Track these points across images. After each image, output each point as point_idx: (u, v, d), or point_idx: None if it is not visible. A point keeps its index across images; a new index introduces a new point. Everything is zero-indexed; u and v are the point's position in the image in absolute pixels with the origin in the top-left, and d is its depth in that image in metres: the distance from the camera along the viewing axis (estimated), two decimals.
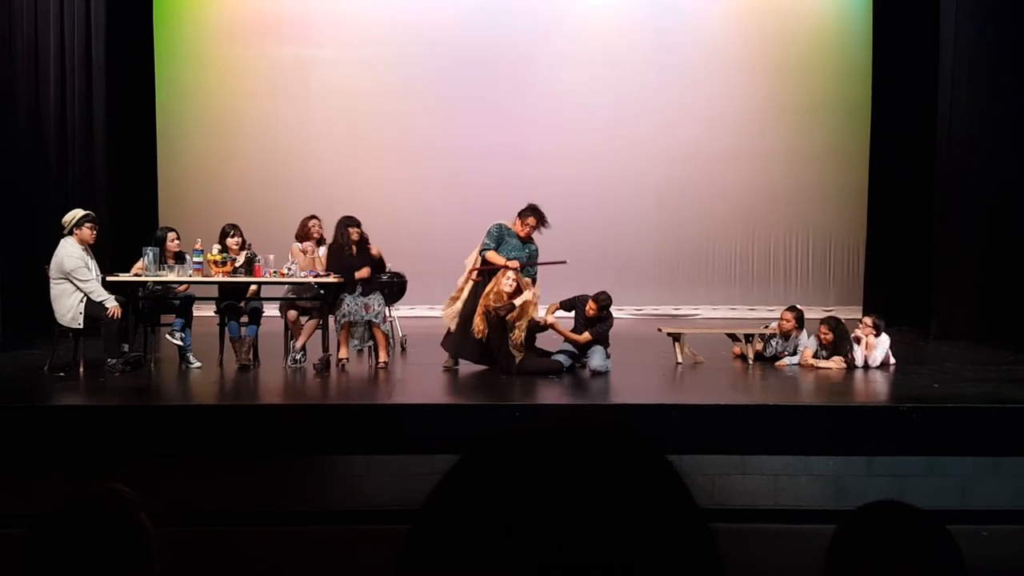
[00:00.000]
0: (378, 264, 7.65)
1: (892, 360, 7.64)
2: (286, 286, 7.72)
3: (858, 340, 7.56)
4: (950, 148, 9.76)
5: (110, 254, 8.96)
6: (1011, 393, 6.39)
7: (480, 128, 11.59)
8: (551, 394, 6.57)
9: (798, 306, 8.16)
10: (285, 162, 11.56)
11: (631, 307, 11.53)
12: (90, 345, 7.07)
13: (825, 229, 12.06)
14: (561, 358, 7.26)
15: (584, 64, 11.75)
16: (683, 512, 0.66)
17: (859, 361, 7.46)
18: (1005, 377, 7.08)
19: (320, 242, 7.83)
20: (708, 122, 11.78)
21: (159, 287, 7.60)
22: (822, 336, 7.57)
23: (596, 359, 7.19)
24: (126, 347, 7.19)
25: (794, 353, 7.74)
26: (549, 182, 10.75)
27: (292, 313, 7.66)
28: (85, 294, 6.99)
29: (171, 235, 7.70)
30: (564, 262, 7.70)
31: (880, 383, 7.11)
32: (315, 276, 7.40)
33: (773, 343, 7.94)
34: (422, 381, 7.34)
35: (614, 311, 7.56)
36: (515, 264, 7.26)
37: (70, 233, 7.09)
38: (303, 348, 7.46)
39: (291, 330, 7.67)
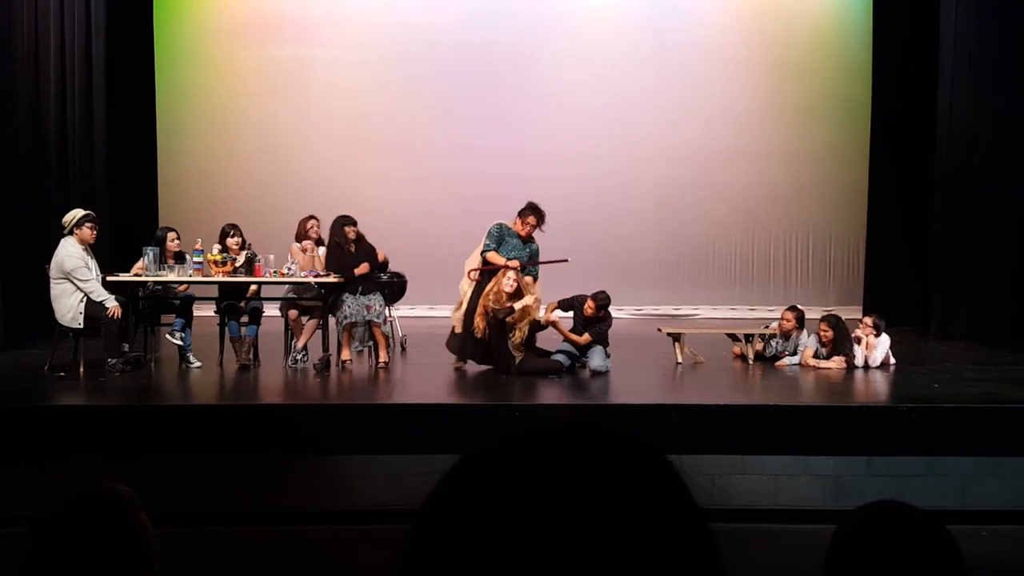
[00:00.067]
0: (381, 266, 7.65)
1: (892, 360, 7.64)
2: (287, 286, 7.72)
3: (858, 340, 7.56)
4: (950, 147, 9.76)
5: (110, 254, 8.96)
6: (1011, 393, 6.39)
7: (480, 128, 11.59)
8: (551, 394, 6.57)
9: (798, 306, 8.16)
10: (285, 162, 11.56)
11: (631, 307, 11.53)
12: (90, 345, 7.07)
13: (825, 229, 12.06)
14: (560, 358, 7.26)
15: (584, 64, 11.75)
16: (683, 512, 0.66)
17: (859, 361, 7.46)
18: (1005, 377, 7.08)
19: (318, 242, 7.83)
20: (708, 122, 11.78)
21: (159, 287, 7.60)
22: (822, 334, 7.57)
23: (596, 359, 7.19)
24: (126, 347, 7.19)
25: (794, 353, 7.74)
26: (549, 182, 10.74)
27: (293, 312, 7.66)
28: (85, 294, 6.99)
29: (171, 235, 7.70)
30: (566, 260, 7.70)
31: (880, 383, 7.11)
32: (315, 276, 7.40)
33: (773, 343, 7.94)
34: (422, 381, 7.35)
35: (614, 311, 7.56)
36: (515, 264, 7.26)
37: (70, 233, 7.09)
38: (304, 348, 7.46)
39: (292, 329, 7.67)
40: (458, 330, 7.32)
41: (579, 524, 0.62)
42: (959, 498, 5.50)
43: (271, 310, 8.08)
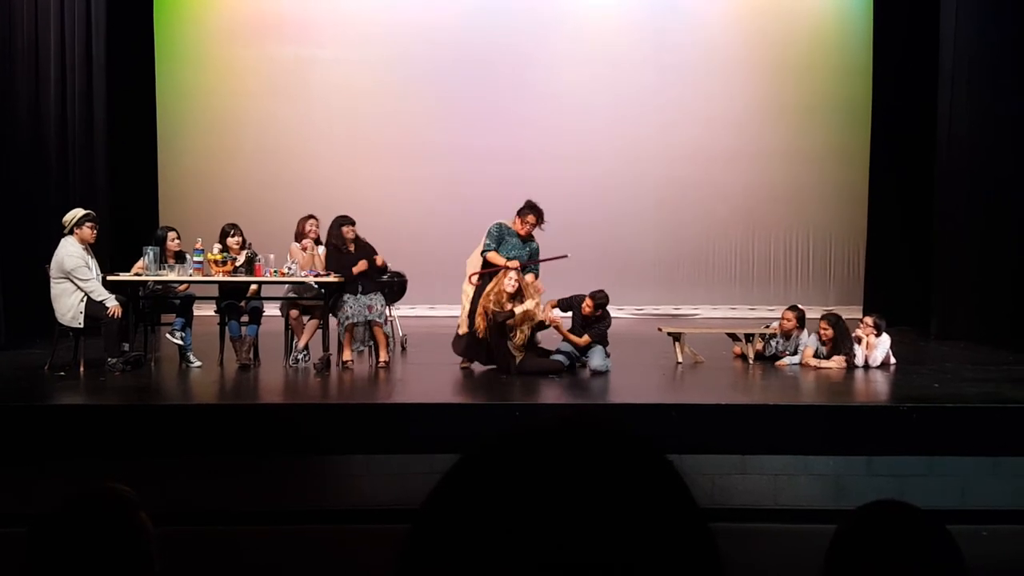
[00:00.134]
0: (380, 270, 7.63)
1: (892, 360, 7.64)
2: (287, 285, 7.72)
3: (859, 340, 7.56)
4: (950, 148, 9.76)
5: (110, 253, 8.97)
6: (1011, 393, 6.39)
7: (480, 128, 11.60)
8: (551, 394, 6.58)
9: (799, 306, 8.16)
10: (285, 162, 11.57)
11: (631, 307, 11.54)
12: (90, 344, 7.07)
13: (825, 229, 12.06)
14: (559, 358, 7.26)
15: (584, 64, 11.75)
16: (683, 512, 0.66)
17: (859, 361, 7.46)
18: (1005, 377, 7.08)
19: (317, 241, 7.83)
20: (708, 122, 11.78)
21: (159, 286, 7.60)
22: (822, 332, 7.57)
23: (596, 359, 7.19)
24: (126, 346, 7.19)
25: (795, 353, 7.74)
26: (549, 182, 10.74)
27: (293, 312, 7.66)
28: (85, 293, 6.99)
29: (171, 234, 7.71)
30: (566, 256, 7.69)
31: (880, 383, 7.11)
32: (315, 276, 7.40)
33: (773, 343, 7.94)
34: (422, 381, 7.35)
35: (614, 311, 7.56)
36: (516, 264, 7.26)
37: (70, 232, 7.09)
38: (305, 347, 7.46)
39: (293, 329, 7.67)
40: (462, 331, 7.32)
41: (579, 524, 0.62)
42: (959, 498, 5.50)
43: (271, 310, 8.08)
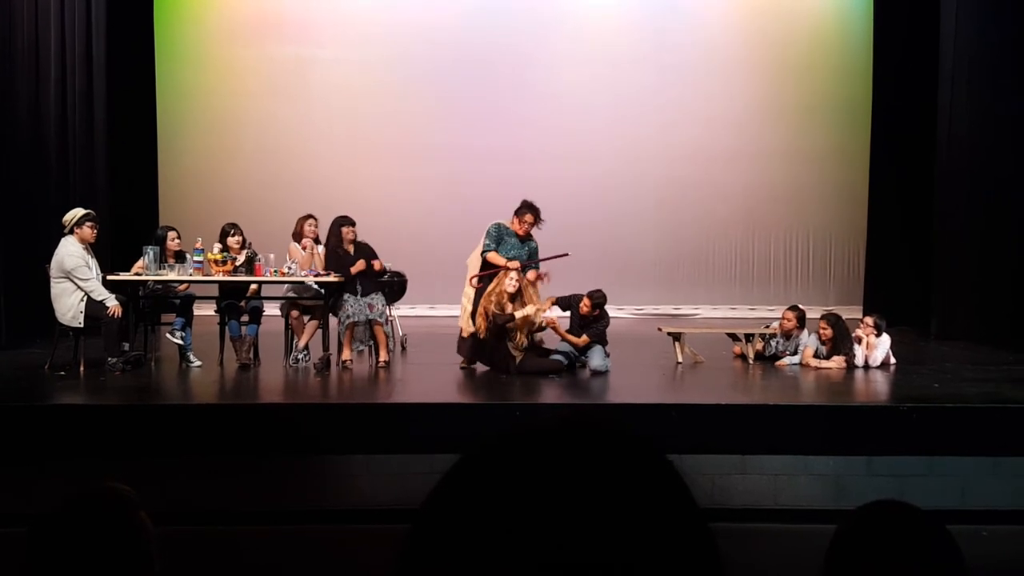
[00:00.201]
0: (378, 275, 7.62)
1: (892, 360, 7.64)
2: (287, 285, 7.72)
3: (859, 340, 7.56)
4: (950, 148, 9.76)
5: (110, 253, 8.97)
6: (1011, 393, 6.39)
7: (480, 128, 11.60)
8: (551, 394, 6.58)
9: (800, 306, 8.16)
10: (285, 162, 11.57)
11: (631, 307, 11.54)
12: (90, 344, 7.07)
13: (825, 229, 12.06)
14: (558, 357, 7.27)
15: (584, 64, 11.75)
16: (683, 512, 0.66)
17: (859, 361, 7.46)
18: (1005, 377, 7.08)
19: (316, 241, 7.82)
20: (708, 122, 11.78)
21: (159, 286, 7.60)
22: (821, 332, 7.57)
23: (596, 359, 7.19)
24: (126, 346, 7.19)
25: (795, 353, 7.74)
26: (549, 182, 10.74)
27: (294, 312, 7.66)
28: (86, 293, 6.99)
29: (171, 234, 7.71)
30: (566, 255, 7.69)
31: (880, 383, 7.11)
32: (315, 276, 7.40)
33: (773, 343, 7.95)
34: (422, 381, 7.35)
35: (614, 311, 7.56)
36: (516, 264, 7.25)
37: (71, 232, 7.09)
38: (306, 347, 7.46)
39: (293, 329, 7.67)
40: (465, 334, 7.31)
41: (579, 524, 0.62)
42: (959, 498, 5.50)
43: (271, 309, 8.08)
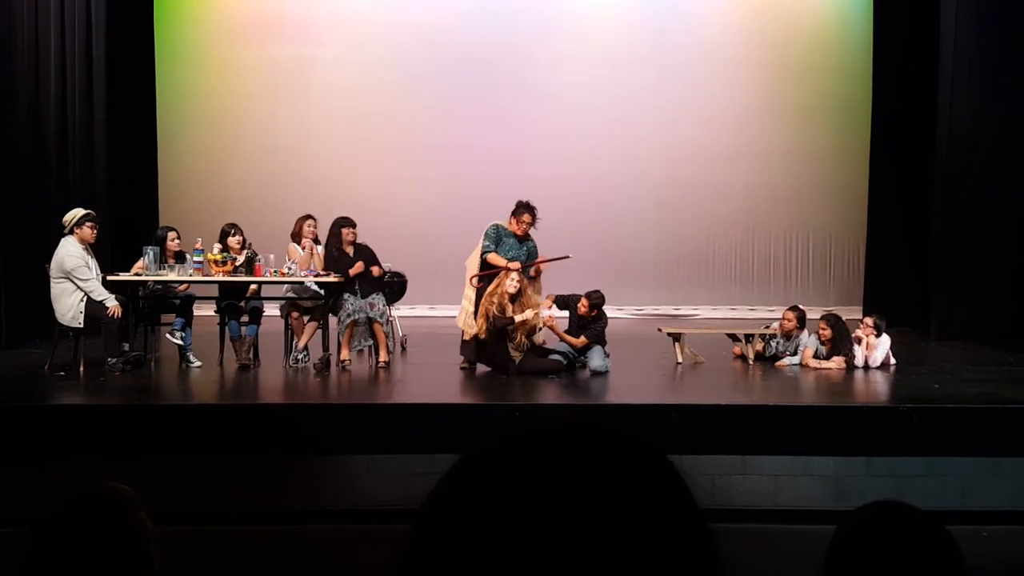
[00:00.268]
0: (376, 280, 7.60)
1: (892, 360, 7.64)
2: (287, 286, 7.72)
3: (859, 340, 7.55)
4: (950, 148, 9.76)
5: (110, 253, 8.96)
6: (1011, 393, 6.39)
7: (480, 128, 11.59)
8: (551, 394, 6.58)
9: (800, 306, 8.15)
10: (285, 162, 11.57)
11: (631, 307, 11.54)
12: (90, 344, 7.07)
13: (825, 229, 12.06)
14: (557, 357, 7.27)
15: (584, 64, 11.75)
16: (683, 512, 0.66)
17: (859, 361, 7.46)
18: (1005, 377, 7.08)
19: (316, 242, 7.82)
20: (708, 122, 11.78)
21: (159, 286, 7.60)
22: (820, 333, 7.57)
23: (596, 359, 7.19)
24: (126, 346, 7.19)
25: (795, 353, 7.74)
26: (549, 182, 10.74)
27: (294, 312, 7.66)
28: (85, 293, 6.99)
29: (171, 234, 7.71)
30: (567, 256, 7.69)
31: (880, 383, 7.11)
32: (315, 276, 7.40)
33: (773, 343, 7.94)
34: (422, 381, 7.35)
35: (614, 311, 7.55)
36: (516, 265, 7.25)
37: (70, 232, 7.09)
38: (305, 348, 7.46)
39: (293, 329, 7.67)
40: (467, 336, 7.31)
41: (579, 524, 0.62)
42: (959, 498, 5.50)
43: (271, 310, 8.08)
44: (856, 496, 5.19)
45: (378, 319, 7.42)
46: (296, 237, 7.92)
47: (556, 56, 11.75)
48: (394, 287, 8.62)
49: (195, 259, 7.40)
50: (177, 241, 7.70)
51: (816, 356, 7.56)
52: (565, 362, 7.27)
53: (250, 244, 7.71)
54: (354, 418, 5.77)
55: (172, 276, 7.41)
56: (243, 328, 7.51)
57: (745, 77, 11.88)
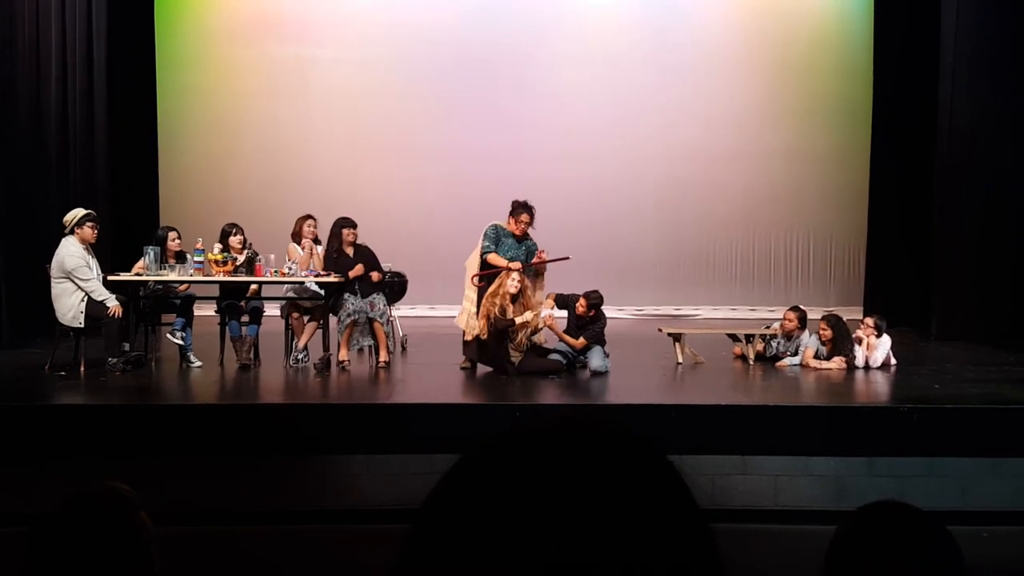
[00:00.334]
0: (376, 284, 7.59)
1: (893, 361, 7.64)
2: (287, 286, 7.72)
3: (859, 341, 7.55)
4: (950, 142, 9.75)
5: (111, 253, 8.96)
6: (1011, 394, 6.39)
7: (480, 128, 11.59)
8: (551, 394, 6.57)
9: (801, 306, 8.15)
10: (285, 162, 11.57)
11: (631, 307, 11.54)
12: (91, 344, 7.07)
13: (826, 230, 12.06)
14: (557, 357, 7.27)
15: (584, 64, 11.75)
16: (684, 512, 0.66)
17: (860, 361, 7.46)
18: (1005, 378, 7.08)
19: (316, 242, 7.83)
20: (708, 122, 11.78)
21: (160, 286, 7.60)
22: (821, 333, 7.57)
23: (596, 359, 7.19)
24: (127, 346, 7.19)
25: (795, 353, 7.74)
26: (549, 182, 10.75)
27: (294, 312, 7.66)
28: (86, 293, 6.99)
29: (172, 234, 7.71)
30: (567, 258, 7.69)
31: (881, 384, 7.11)
32: (316, 276, 7.40)
33: (774, 343, 7.94)
34: (422, 381, 7.35)
35: (614, 311, 7.55)
36: (517, 265, 7.25)
37: (71, 232, 7.09)
38: (305, 348, 7.46)
39: (293, 329, 7.68)
40: (469, 336, 7.31)
41: (579, 524, 0.61)
42: (959, 499, 5.50)
43: (271, 310, 8.08)
44: (856, 496, 5.19)
45: (378, 319, 7.42)
46: (296, 237, 7.92)
47: (556, 56, 11.75)
48: (394, 287, 8.62)
49: (196, 259, 7.40)
50: (178, 241, 7.70)
51: (817, 356, 7.56)
52: (565, 362, 7.27)
53: (250, 244, 7.71)
54: (354, 418, 5.77)
55: (173, 276, 7.41)
56: (243, 328, 7.51)
57: (745, 77, 11.88)
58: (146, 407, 5.96)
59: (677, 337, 7.92)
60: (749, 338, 7.99)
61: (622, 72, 11.77)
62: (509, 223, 7.47)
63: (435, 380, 7.19)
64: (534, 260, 7.43)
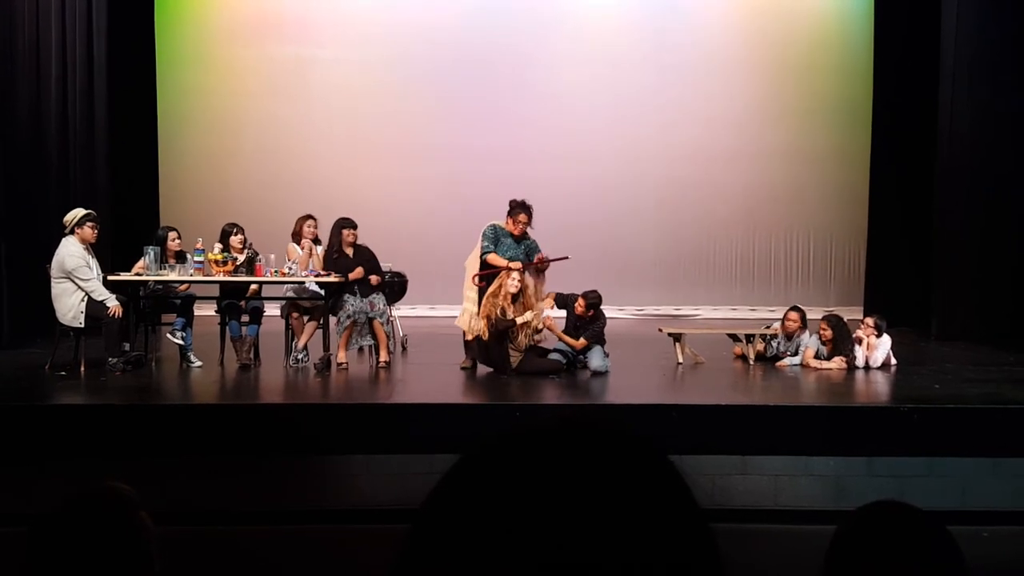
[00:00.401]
0: (375, 287, 7.59)
1: (893, 361, 7.64)
2: (287, 286, 7.72)
3: (859, 341, 7.55)
4: (951, 145, 9.76)
5: (111, 253, 8.96)
6: (1011, 394, 6.39)
7: (480, 128, 11.59)
8: (551, 394, 6.58)
9: (800, 307, 8.15)
10: (285, 162, 11.57)
11: (632, 307, 11.54)
12: (91, 344, 7.07)
13: (826, 230, 12.06)
14: (556, 357, 7.27)
15: (584, 64, 11.75)
16: (684, 512, 0.66)
17: (860, 362, 7.46)
18: (1005, 378, 7.08)
19: (316, 241, 7.83)
20: (708, 122, 11.78)
21: (160, 286, 7.60)
22: (822, 333, 7.57)
23: (596, 359, 7.19)
24: (127, 346, 7.19)
25: (796, 353, 7.74)
26: (549, 182, 10.75)
27: (294, 312, 7.66)
28: (86, 293, 6.99)
29: (172, 234, 7.71)
30: (566, 258, 7.69)
31: (881, 384, 7.11)
32: (315, 275, 7.40)
33: (774, 343, 7.94)
34: (422, 381, 7.35)
35: (614, 311, 7.55)
36: (517, 265, 7.25)
37: (71, 232, 7.09)
38: (305, 348, 7.46)
39: (293, 329, 7.68)
40: (470, 336, 7.30)
41: (579, 524, 0.61)
42: (959, 499, 5.50)
43: (271, 310, 8.08)
44: (856, 496, 5.19)
45: (378, 318, 7.42)
46: (296, 237, 7.92)
47: (556, 56, 11.75)
48: (394, 287, 8.62)
49: (196, 259, 7.40)
50: (178, 241, 7.70)
51: (817, 356, 7.56)
52: (565, 362, 7.27)
53: (251, 244, 7.71)
54: (354, 418, 5.77)
55: (173, 276, 7.41)
56: (243, 328, 7.51)
57: (745, 77, 11.88)
58: (146, 407, 5.96)
59: (677, 337, 7.92)
60: (749, 338, 7.99)
61: (622, 72, 11.77)
62: (507, 223, 7.47)
63: (435, 380, 7.19)
64: (535, 260, 7.43)
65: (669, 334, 8.03)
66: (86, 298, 6.99)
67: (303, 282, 7.56)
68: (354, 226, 7.61)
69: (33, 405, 5.88)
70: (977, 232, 9.52)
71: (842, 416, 5.94)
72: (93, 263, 7.15)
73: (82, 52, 9.73)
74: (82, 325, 7.01)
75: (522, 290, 7.14)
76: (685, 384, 7.36)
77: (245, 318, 7.58)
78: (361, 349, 7.55)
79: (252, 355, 7.42)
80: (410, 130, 11.62)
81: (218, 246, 7.51)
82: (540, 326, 7.24)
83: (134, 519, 1.69)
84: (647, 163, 11.81)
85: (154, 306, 7.68)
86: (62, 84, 9.47)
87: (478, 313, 7.19)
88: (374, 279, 7.54)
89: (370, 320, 7.41)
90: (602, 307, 7.44)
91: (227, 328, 7.51)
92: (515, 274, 7.13)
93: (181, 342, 7.32)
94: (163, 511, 2.11)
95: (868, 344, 7.55)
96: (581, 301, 7.31)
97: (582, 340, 7.26)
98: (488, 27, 11.71)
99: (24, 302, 8.29)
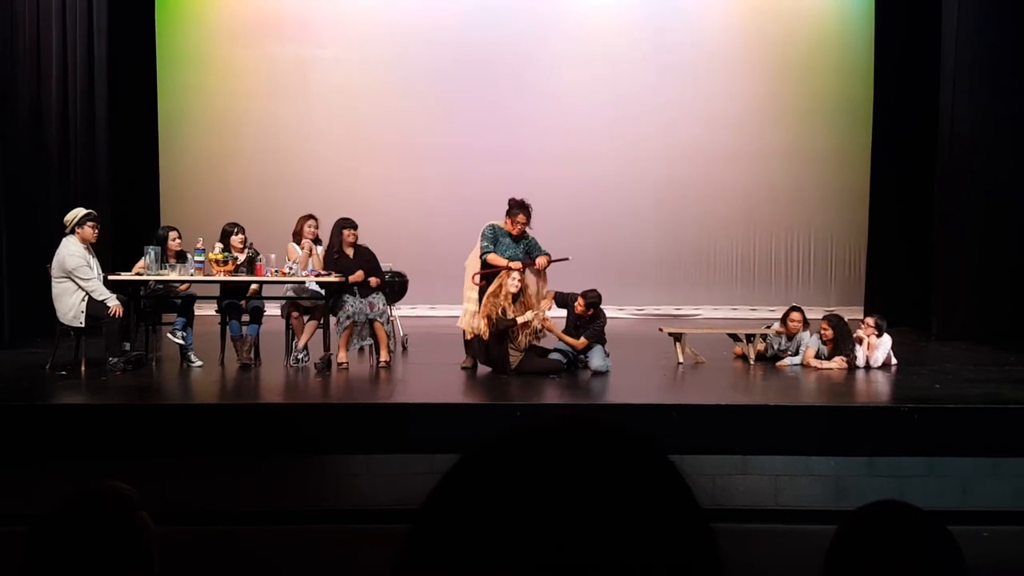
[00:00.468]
0: (373, 288, 7.58)
1: (893, 360, 7.64)
2: (287, 286, 7.72)
3: (860, 340, 7.56)
4: (951, 148, 9.77)
5: (111, 253, 8.97)
6: (1011, 394, 6.39)
7: (480, 128, 11.60)
8: (551, 394, 6.58)
9: (800, 307, 8.15)
10: (285, 162, 11.57)
11: (632, 307, 11.54)
12: (91, 344, 7.07)
13: (826, 230, 12.06)
14: (557, 356, 7.27)
15: (584, 64, 11.75)
16: (684, 512, 0.66)
17: (860, 361, 7.46)
18: (1005, 378, 7.08)
19: (316, 242, 7.83)
20: (708, 122, 11.78)
21: (160, 286, 7.61)
22: (822, 333, 7.58)
23: (596, 359, 7.19)
24: (127, 346, 7.20)
25: (796, 353, 7.74)
26: (549, 182, 10.75)
27: (294, 312, 7.66)
28: (87, 293, 6.99)
29: (172, 234, 7.71)
30: (566, 259, 7.69)
31: (881, 383, 7.11)
32: (316, 275, 7.40)
33: (775, 343, 7.94)
34: (422, 381, 7.35)
35: (615, 311, 7.55)
36: (518, 265, 7.25)
37: (72, 232, 7.09)
38: (305, 348, 7.46)
39: (293, 329, 7.68)
40: (470, 335, 7.30)
41: (579, 524, 0.61)
42: (960, 498, 5.50)
43: (272, 309, 8.08)
44: (856, 496, 5.19)
45: (378, 318, 7.42)
46: (297, 237, 7.92)
47: (556, 56, 11.75)
48: (394, 287, 8.62)
49: (196, 259, 7.40)
50: (178, 241, 7.71)
51: (818, 356, 7.56)
52: (565, 362, 7.27)
53: (251, 244, 7.71)
54: (354, 418, 5.77)
55: (173, 276, 7.41)
56: (244, 328, 7.51)
57: (745, 77, 11.88)
58: (146, 407, 5.96)
59: (678, 337, 7.92)
60: (750, 338, 7.99)
61: (622, 72, 11.77)
62: (506, 223, 7.47)
63: (435, 380, 7.19)
64: (536, 265, 7.41)
65: (669, 334, 8.03)
66: (87, 298, 6.99)
67: (303, 282, 7.56)
68: (354, 226, 7.61)
69: (33, 405, 5.87)
70: (977, 234, 9.52)
71: (842, 416, 5.94)
72: (94, 263, 7.15)
73: (82, 52, 9.74)
74: (82, 325, 7.01)
75: (522, 290, 7.14)
76: (685, 384, 7.36)
77: (245, 318, 7.58)
78: (361, 349, 7.55)
79: (252, 355, 7.42)
80: (410, 130, 11.63)
81: (219, 246, 7.51)
82: (539, 326, 7.25)
83: (134, 519, 1.69)
84: (647, 163, 11.81)
85: (154, 306, 7.68)
86: (62, 84, 9.47)
87: (478, 312, 7.19)
88: (374, 281, 7.54)
89: (370, 321, 7.41)
90: (602, 307, 7.44)
91: (227, 328, 7.51)
92: (515, 274, 7.13)
93: (181, 342, 7.32)
94: (163, 511, 2.11)
95: (869, 344, 7.55)
96: (581, 300, 7.32)
97: (583, 340, 7.26)
98: (488, 27, 11.71)
99: (24, 302, 8.29)
